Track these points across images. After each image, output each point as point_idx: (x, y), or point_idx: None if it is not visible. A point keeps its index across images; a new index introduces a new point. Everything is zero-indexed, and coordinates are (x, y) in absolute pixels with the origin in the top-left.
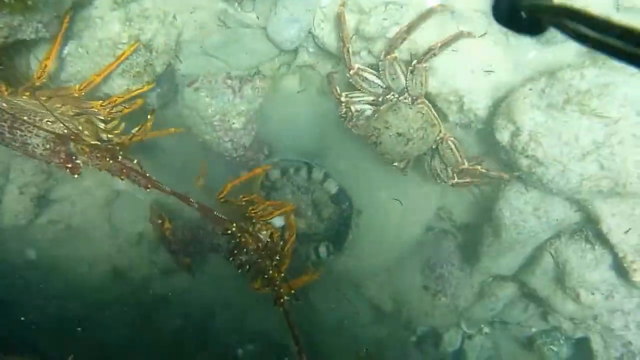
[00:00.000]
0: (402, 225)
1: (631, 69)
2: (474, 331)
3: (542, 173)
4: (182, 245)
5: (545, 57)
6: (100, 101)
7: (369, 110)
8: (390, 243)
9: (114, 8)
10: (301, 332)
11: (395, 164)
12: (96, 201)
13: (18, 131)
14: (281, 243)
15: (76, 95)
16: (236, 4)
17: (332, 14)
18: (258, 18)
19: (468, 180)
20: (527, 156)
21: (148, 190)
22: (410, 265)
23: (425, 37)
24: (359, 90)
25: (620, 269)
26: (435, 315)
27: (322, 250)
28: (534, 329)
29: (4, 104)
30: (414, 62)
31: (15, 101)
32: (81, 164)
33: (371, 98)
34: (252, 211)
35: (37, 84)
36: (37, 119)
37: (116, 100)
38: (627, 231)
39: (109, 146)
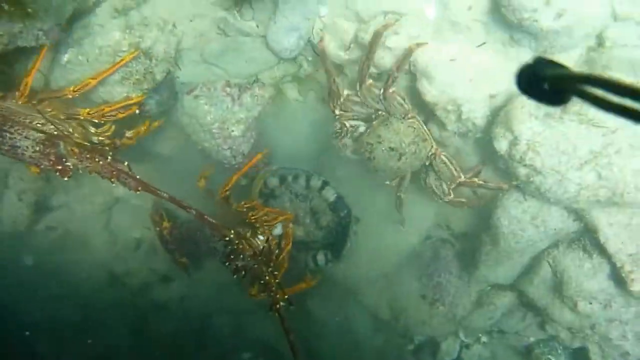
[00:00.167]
0: (401, 234)
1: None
2: (471, 340)
3: (540, 182)
4: (178, 245)
5: None
6: (88, 109)
7: (362, 126)
8: (388, 251)
9: (114, 16)
10: (297, 338)
11: (387, 182)
12: (94, 207)
13: (7, 134)
14: (277, 251)
15: (70, 96)
16: (236, 12)
17: (332, 23)
18: (258, 26)
19: (464, 200)
20: (525, 165)
21: (138, 192)
22: (408, 273)
23: (426, 46)
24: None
25: (618, 278)
26: (432, 323)
27: (320, 258)
28: (532, 339)
29: None
30: (381, 91)
31: (5, 104)
32: (71, 166)
33: (364, 115)
34: (252, 217)
35: (20, 102)
36: (27, 121)
37: (104, 109)
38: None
39: (99, 147)
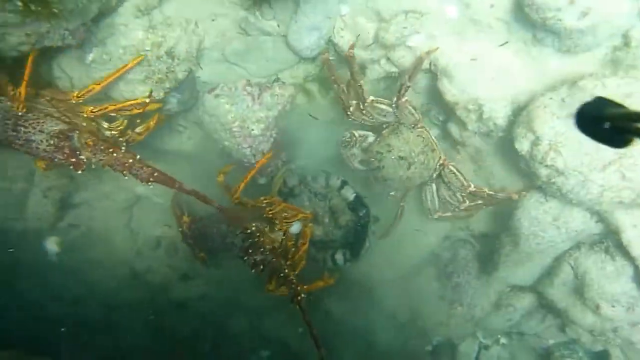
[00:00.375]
0: (419, 234)
1: None
2: (490, 341)
3: (562, 183)
4: (197, 240)
5: (567, 66)
6: (92, 107)
7: (371, 137)
8: (407, 251)
9: (137, 15)
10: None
11: (392, 192)
12: (116, 205)
13: (22, 128)
14: (294, 249)
15: (74, 102)
16: (257, 12)
17: (352, 22)
18: (279, 26)
19: (480, 202)
20: (546, 166)
21: (150, 184)
22: (426, 273)
23: (447, 45)
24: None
25: None
26: (451, 324)
27: (339, 257)
28: (551, 341)
29: (9, 103)
30: (394, 100)
31: (20, 100)
32: (85, 159)
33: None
34: (270, 212)
35: (20, 113)
36: (42, 115)
37: (107, 108)
38: None
39: (112, 139)
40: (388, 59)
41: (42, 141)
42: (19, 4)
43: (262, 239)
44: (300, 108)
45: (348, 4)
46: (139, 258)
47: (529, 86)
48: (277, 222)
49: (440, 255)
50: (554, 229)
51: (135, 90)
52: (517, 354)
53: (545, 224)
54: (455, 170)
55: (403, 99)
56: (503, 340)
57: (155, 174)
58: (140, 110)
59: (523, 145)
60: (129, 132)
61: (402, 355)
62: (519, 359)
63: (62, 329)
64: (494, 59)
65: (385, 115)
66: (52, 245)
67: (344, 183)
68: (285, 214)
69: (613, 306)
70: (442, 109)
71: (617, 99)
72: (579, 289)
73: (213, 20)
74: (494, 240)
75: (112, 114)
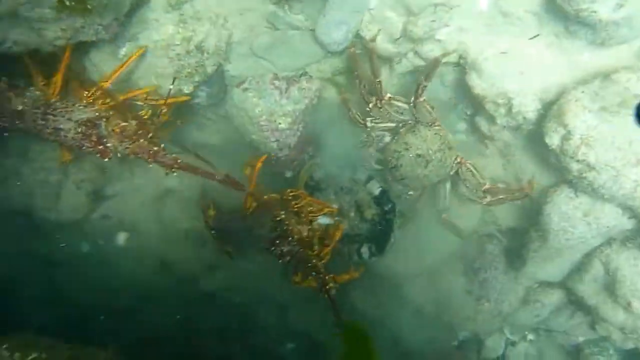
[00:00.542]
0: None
1: None
2: (517, 338)
3: (594, 178)
4: (223, 234)
5: (600, 59)
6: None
7: (387, 137)
8: (433, 246)
9: (168, 10)
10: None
11: (411, 192)
12: (147, 198)
13: (51, 116)
14: (320, 243)
15: (85, 101)
16: (285, 6)
17: (381, 15)
18: (306, 20)
19: (502, 196)
20: (578, 160)
21: (174, 172)
22: (453, 268)
23: (477, 38)
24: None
25: None
26: (478, 319)
27: (364, 251)
28: (581, 338)
29: (38, 93)
30: (412, 99)
31: (49, 91)
32: (111, 147)
33: (392, 125)
34: (296, 205)
35: (53, 100)
36: (70, 104)
37: (127, 95)
38: None
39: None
40: (416, 52)
41: (70, 129)
42: None
43: (291, 228)
44: (327, 102)
45: None
46: (168, 250)
47: (560, 80)
48: (303, 215)
49: (467, 251)
50: (584, 225)
51: (166, 84)
52: (545, 351)
53: (575, 220)
54: (472, 169)
55: (421, 99)
56: (530, 336)
57: (179, 161)
58: (163, 102)
59: (553, 140)
60: (154, 119)
61: (428, 350)
62: (547, 356)
63: (101, 317)
64: (525, 52)
65: (402, 113)
66: (121, 238)
67: (370, 177)
68: (311, 208)
69: None
70: (470, 103)
71: None
72: (610, 285)
73: (241, 14)
74: (522, 235)
75: (138, 103)
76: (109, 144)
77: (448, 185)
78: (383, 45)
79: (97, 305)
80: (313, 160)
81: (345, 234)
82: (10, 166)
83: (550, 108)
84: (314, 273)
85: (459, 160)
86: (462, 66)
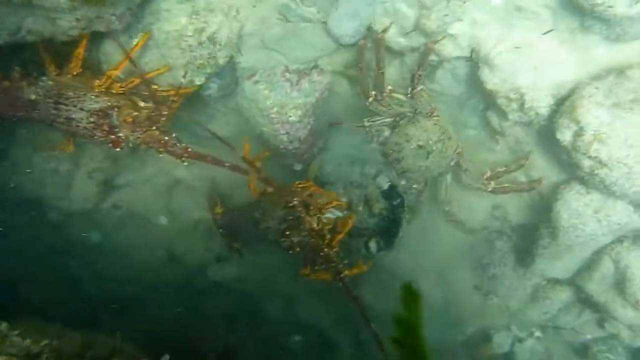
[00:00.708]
0: (455, 224)
1: None
2: (525, 334)
3: (605, 175)
4: (231, 230)
5: (614, 54)
6: (120, 83)
7: (387, 131)
8: (442, 241)
9: (180, 1)
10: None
11: (415, 186)
12: (156, 188)
13: (63, 106)
14: (329, 234)
15: (96, 91)
16: None
17: (393, 9)
18: (319, 12)
19: (506, 185)
20: (589, 157)
21: (184, 161)
22: (462, 264)
23: (490, 33)
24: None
25: None
26: (485, 315)
27: (372, 245)
28: (589, 336)
29: (51, 82)
30: (409, 89)
31: (61, 80)
32: (123, 137)
33: (390, 119)
34: (306, 195)
35: (74, 73)
36: (82, 93)
37: (135, 81)
38: None
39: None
40: None
41: (82, 119)
42: None
43: (302, 216)
44: (338, 96)
45: None
46: (177, 240)
47: (573, 75)
48: (312, 207)
49: (476, 246)
50: (595, 222)
51: (177, 76)
52: (553, 348)
53: (586, 217)
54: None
55: (418, 88)
56: (538, 333)
57: (189, 150)
58: (174, 92)
59: (565, 136)
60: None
61: (435, 344)
62: (555, 353)
63: (113, 306)
64: (538, 47)
65: (402, 105)
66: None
67: (379, 171)
68: (320, 200)
69: None
70: (482, 98)
71: None
72: (620, 283)
73: (254, 6)
74: (532, 232)
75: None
76: (120, 134)
77: (448, 178)
78: (395, 39)
79: (106, 294)
80: (323, 153)
81: (354, 228)
82: (21, 155)
83: (563, 104)
84: (326, 263)
85: (459, 150)
86: (474, 61)
